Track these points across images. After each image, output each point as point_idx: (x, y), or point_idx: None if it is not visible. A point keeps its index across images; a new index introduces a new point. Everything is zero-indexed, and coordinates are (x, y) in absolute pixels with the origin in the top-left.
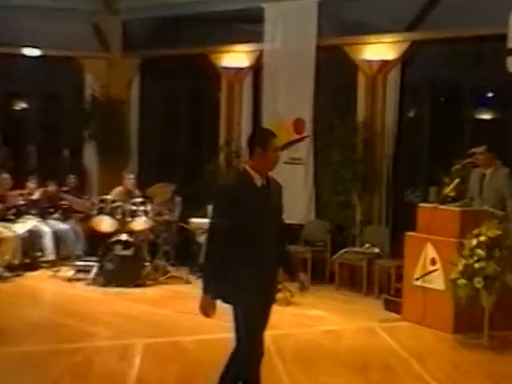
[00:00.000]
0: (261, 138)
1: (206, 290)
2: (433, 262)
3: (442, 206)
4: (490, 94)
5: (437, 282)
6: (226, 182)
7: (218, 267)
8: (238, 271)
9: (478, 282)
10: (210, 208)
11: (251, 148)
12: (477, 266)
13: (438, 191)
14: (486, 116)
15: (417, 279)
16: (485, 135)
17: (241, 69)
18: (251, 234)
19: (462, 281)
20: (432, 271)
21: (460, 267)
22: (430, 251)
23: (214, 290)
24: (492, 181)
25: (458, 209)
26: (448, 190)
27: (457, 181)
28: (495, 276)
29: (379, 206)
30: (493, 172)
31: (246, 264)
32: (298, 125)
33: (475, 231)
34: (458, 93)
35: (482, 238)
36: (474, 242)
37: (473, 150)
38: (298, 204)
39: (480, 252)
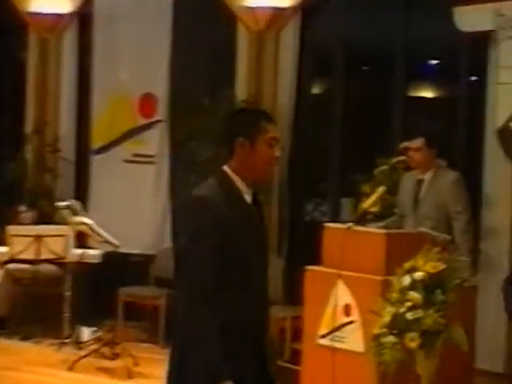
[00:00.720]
0: (245, 122)
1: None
2: (346, 310)
3: (359, 228)
4: (434, 62)
5: (353, 340)
6: (208, 192)
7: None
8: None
9: (412, 340)
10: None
11: (230, 141)
12: (410, 316)
13: (355, 205)
14: (426, 93)
15: (323, 336)
16: (424, 122)
17: (59, 16)
18: (242, 287)
19: (390, 338)
20: (345, 324)
21: (386, 318)
22: (343, 294)
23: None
24: (432, 189)
25: (382, 231)
26: (368, 204)
27: (382, 190)
28: (437, 331)
29: (268, 227)
30: (433, 176)
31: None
32: (147, 103)
33: (408, 264)
34: (386, 59)
35: (418, 275)
36: (407, 280)
37: (405, 143)
38: (145, 224)
39: (415, 296)
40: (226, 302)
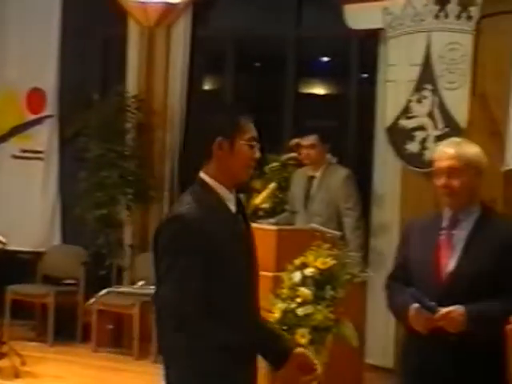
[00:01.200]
0: (224, 121)
1: None
2: None
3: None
4: (325, 59)
5: None
6: (186, 209)
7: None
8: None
9: (303, 336)
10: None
11: (207, 142)
12: (301, 311)
13: (246, 201)
14: (318, 90)
15: None
16: (315, 119)
17: None
18: (234, 307)
19: None
20: None
21: (277, 314)
22: None
23: None
24: (323, 186)
25: (273, 227)
26: (260, 200)
27: (272, 186)
28: (327, 326)
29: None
30: (324, 173)
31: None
32: (35, 99)
33: (298, 261)
34: (278, 56)
35: (309, 271)
36: (297, 276)
37: (296, 140)
38: (33, 220)
39: (305, 292)
40: (218, 321)
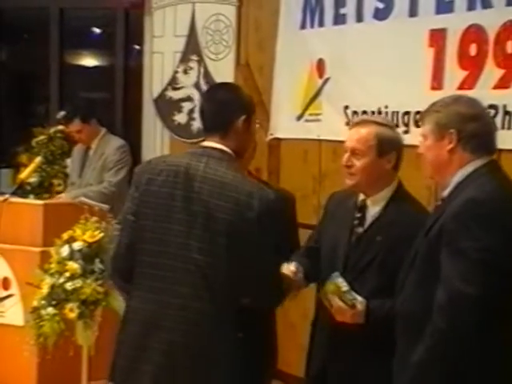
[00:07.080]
0: (248, 98)
1: None
2: (5, 283)
3: (16, 199)
4: (92, 30)
5: (13, 314)
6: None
7: None
8: None
9: (71, 311)
10: None
11: (234, 117)
12: (69, 286)
13: (15, 176)
14: (85, 62)
15: None
16: (84, 91)
17: None
18: None
19: (50, 310)
20: (5, 298)
21: (45, 290)
22: (0, 268)
23: None
24: (98, 155)
25: (40, 202)
26: (25, 174)
27: (38, 160)
28: (95, 300)
29: None
30: (99, 143)
31: None
32: None
33: (66, 235)
34: (42, 27)
35: (77, 245)
36: (66, 250)
37: (61, 127)
38: None
39: (73, 265)
40: None
